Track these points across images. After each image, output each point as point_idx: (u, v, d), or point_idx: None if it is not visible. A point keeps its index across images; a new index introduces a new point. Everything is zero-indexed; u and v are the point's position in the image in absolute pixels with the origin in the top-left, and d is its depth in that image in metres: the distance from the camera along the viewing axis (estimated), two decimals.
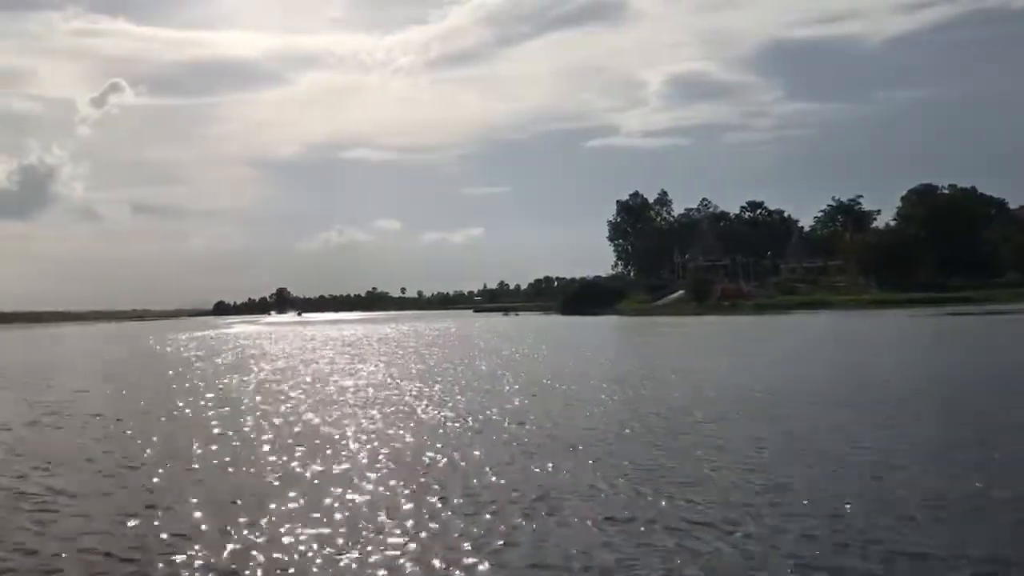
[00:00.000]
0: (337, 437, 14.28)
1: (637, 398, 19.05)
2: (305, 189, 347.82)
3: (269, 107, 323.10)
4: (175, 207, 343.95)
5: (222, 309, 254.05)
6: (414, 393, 20.69)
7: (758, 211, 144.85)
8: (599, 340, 49.91)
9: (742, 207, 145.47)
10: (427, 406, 18.00)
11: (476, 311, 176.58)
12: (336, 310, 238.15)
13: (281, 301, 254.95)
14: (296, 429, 15.30)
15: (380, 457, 12.34)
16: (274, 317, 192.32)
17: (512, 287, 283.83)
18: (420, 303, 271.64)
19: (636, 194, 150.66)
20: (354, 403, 18.84)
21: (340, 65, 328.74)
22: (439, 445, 13.21)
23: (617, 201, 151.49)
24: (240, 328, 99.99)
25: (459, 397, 19.63)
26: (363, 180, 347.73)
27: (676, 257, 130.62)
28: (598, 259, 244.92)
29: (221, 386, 24.09)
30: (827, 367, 26.40)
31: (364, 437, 14.24)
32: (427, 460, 12.02)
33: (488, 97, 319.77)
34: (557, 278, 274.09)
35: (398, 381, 23.66)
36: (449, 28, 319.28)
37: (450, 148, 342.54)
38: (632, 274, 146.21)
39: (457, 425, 15.33)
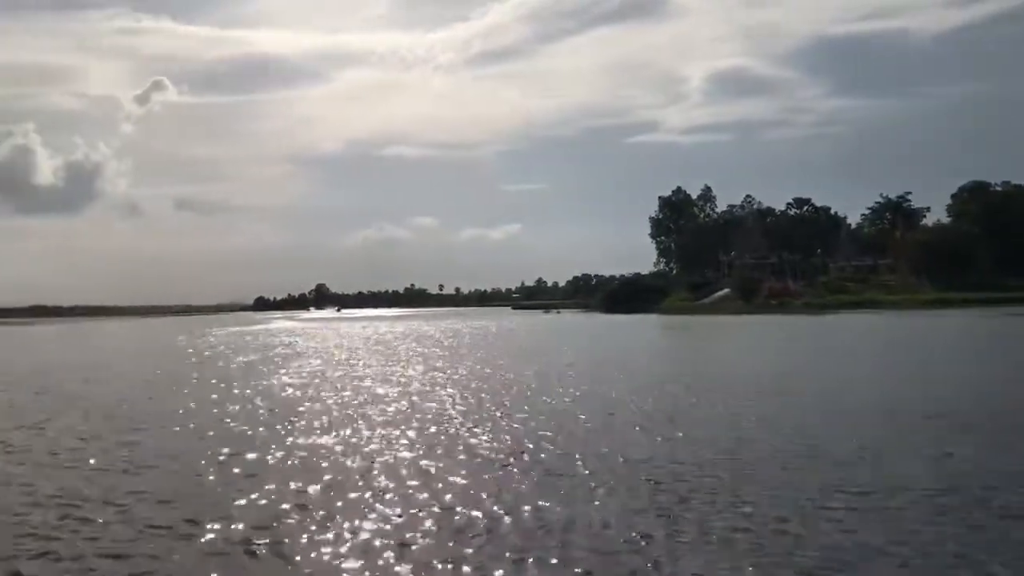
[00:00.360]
0: (356, 475, 10.97)
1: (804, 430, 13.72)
2: (345, 186, 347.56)
3: (310, 104, 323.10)
4: (217, 203, 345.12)
5: (263, 304, 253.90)
6: (459, 406, 17.49)
7: (805, 208, 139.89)
8: (663, 344, 46.03)
9: (788, 204, 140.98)
10: (478, 426, 14.75)
11: (515, 308, 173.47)
12: (375, 306, 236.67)
13: (320, 297, 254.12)
14: (298, 458, 12.06)
15: (412, 513, 8.78)
16: (313, 313, 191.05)
17: (550, 284, 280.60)
18: (458, 300, 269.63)
19: (679, 190, 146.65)
20: (385, 420, 15.66)
21: (381, 63, 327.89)
22: (505, 496, 9.51)
23: (659, 197, 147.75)
24: (277, 324, 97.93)
25: (522, 417, 16.18)
26: (403, 177, 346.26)
27: (721, 255, 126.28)
28: (637, 256, 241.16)
29: (237, 396, 21.06)
30: (958, 382, 22.52)
31: (394, 476, 10.72)
32: (484, 518, 8.55)
33: (529, 94, 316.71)
34: (596, 276, 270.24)
35: (440, 390, 20.36)
36: (490, 25, 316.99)
37: (490, 144, 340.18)
38: (675, 272, 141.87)
39: (522, 463, 11.86)
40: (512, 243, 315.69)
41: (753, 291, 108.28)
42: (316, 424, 15.17)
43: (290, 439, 13.58)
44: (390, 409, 17.04)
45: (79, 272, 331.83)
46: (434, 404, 17.68)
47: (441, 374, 24.73)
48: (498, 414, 16.02)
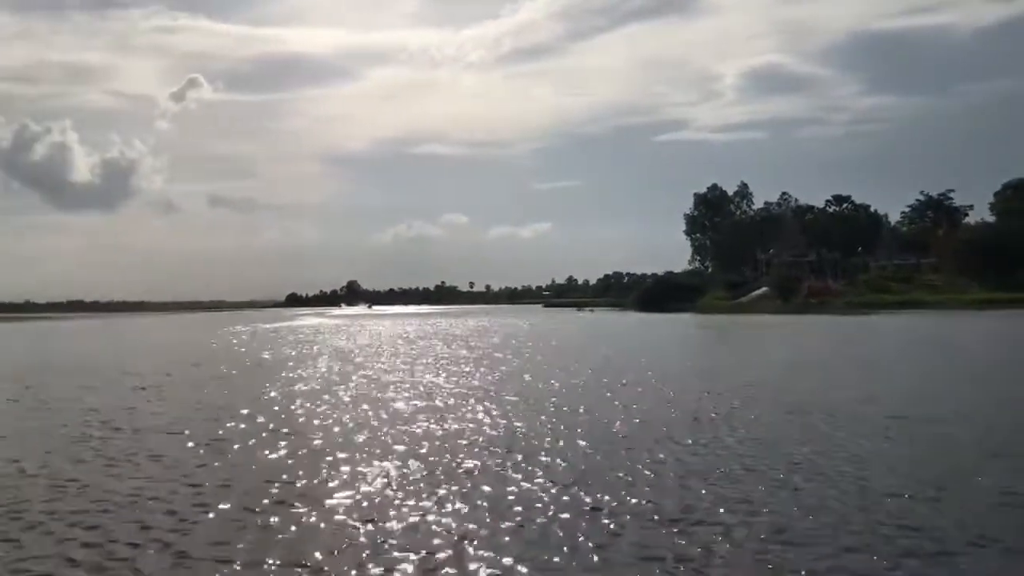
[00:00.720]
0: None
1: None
2: (376, 184, 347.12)
3: (341, 103, 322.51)
4: (250, 200, 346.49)
5: (295, 301, 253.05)
6: (498, 436, 14.41)
7: (844, 205, 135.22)
8: (720, 349, 42.57)
9: (827, 201, 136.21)
10: (529, 464, 11.65)
11: (546, 306, 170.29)
12: (405, 303, 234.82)
13: (352, 294, 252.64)
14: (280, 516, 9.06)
15: None
16: (344, 309, 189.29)
17: (581, 283, 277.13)
18: (488, 297, 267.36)
19: (715, 187, 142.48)
20: (402, 446, 12.63)
21: (411, 61, 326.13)
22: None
23: (695, 194, 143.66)
24: (306, 321, 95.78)
25: (569, 440, 13.22)
26: (433, 175, 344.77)
27: (758, 252, 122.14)
28: (669, 255, 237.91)
29: (229, 408, 18.14)
30: None
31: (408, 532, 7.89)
32: None
33: (560, 92, 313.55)
34: (627, 274, 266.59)
35: (475, 412, 17.15)
36: (521, 22, 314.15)
37: (520, 143, 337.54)
38: (710, 270, 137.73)
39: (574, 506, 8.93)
40: (542, 241, 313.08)
41: (792, 290, 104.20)
42: (313, 458, 12.19)
43: (266, 484, 10.59)
44: (412, 431, 14.00)
45: (115, 268, 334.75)
46: (468, 430, 14.59)
47: (478, 388, 21.57)
48: (552, 445, 12.93)
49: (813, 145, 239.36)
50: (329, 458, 11.79)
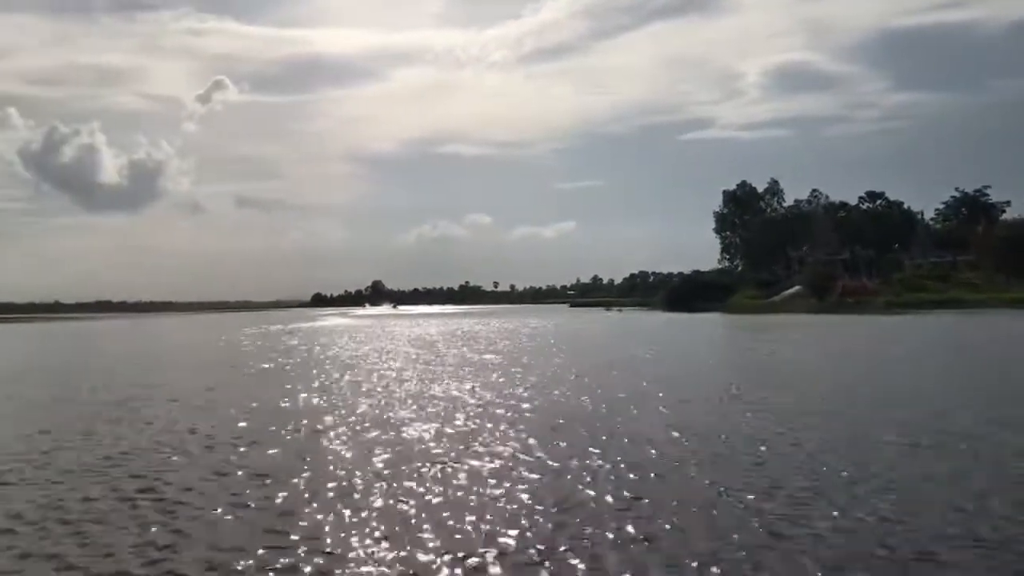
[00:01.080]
0: None
1: None
2: (401, 184, 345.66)
3: (367, 103, 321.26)
4: (276, 201, 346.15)
5: (320, 301, 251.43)
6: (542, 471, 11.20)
7: (877, 202, 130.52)
8: (770, 350, 38.99)
9: (860, 198, 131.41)
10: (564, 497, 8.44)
11: (572, 306, 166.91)
12: (430, 303, 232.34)
13: (376, 294, 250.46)
14: None
15: None
16: (368, 309, 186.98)
17: (606, 282, 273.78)
18: (512, 297, 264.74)
19: (744, 183, 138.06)
20: (406, 500, 9.45)
21: (436, 61, 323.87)
22: None
23: (724, 191, 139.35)
24: (327, 322, 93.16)
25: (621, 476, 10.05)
26: (457, 175, 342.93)
27: (789, 250, 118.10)
28: (693, 254, 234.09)
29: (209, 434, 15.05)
30: None
31: None
32: None
33: (583, 91, 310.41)
34: (653, 273, 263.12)
35: (506, 442, 13.90)
36: (543, 22, 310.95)
37: (543, 142, 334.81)
38: (739, 268, 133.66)
39: None
40: (566, 241, 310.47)
41: (827, 289, 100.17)
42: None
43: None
44: (426, 477, 10.82)
45: (143, 269, 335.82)
46: (500, 469, 11.38)
47: (510, 404, 18.39)
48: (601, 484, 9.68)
49: (840, 143, 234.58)
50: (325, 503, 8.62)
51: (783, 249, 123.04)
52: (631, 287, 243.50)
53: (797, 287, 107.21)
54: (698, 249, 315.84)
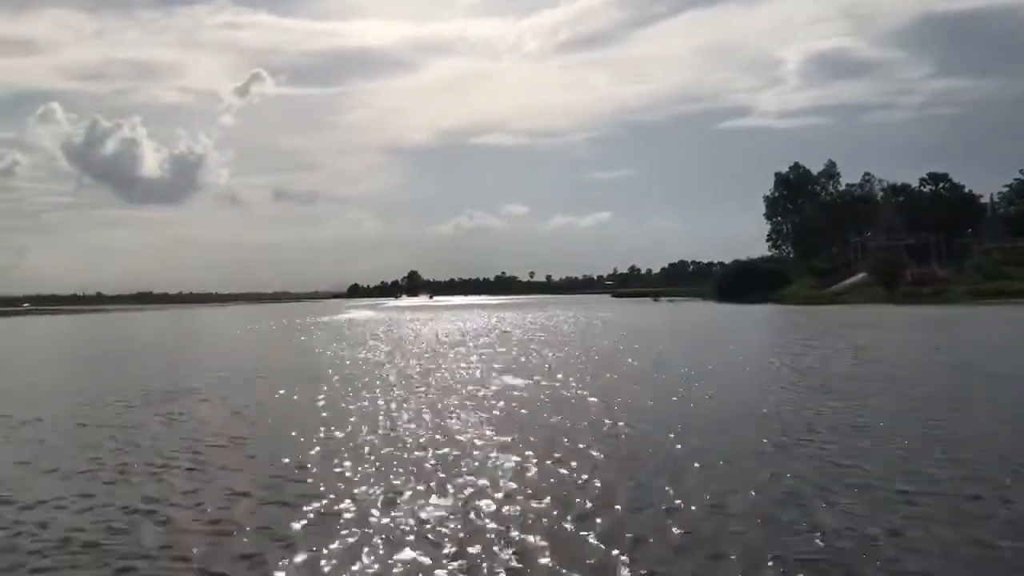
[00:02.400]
0: None
1: None
2: (436, 175, 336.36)
3: (402, 94, 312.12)
4: (314, 193, 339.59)
5: (356, 292, 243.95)
6: None
7: (940, 184, 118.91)
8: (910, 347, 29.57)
9: (922, 179, 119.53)
10: None
11: (614, 296, 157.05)
12: (466, 294, 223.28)
13: (413, 285, 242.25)
14: None
15: None
16: (399, 300, 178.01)
17: (644, 271, 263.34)
18: (549, 287, 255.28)
19: (797, 165, 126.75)
20: None
21: (471, 51, 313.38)
22: None
23: (776, 173, 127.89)
24: (352, 315, 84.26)
25: None
26: (493, 165, 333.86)
27: (848, 235, 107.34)
28: (733, 242, 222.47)
29: None
30: None
31: None
32: None
33: (619, 80, 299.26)
34: (693, 262, 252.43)
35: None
36: (580, 10, 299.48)
37: (579, 132, 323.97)
38: (791, 255, 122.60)
39: None
40: (602, 230, 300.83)
41: (897, 277, 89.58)
42: None
43: None
44: None
45: (183, 260, 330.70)
46: None
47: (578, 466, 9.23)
48: None
49: (882, 130, 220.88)
50: None
51: (840, 234, 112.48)
52: (671, 276, 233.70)
53: (861, 275, 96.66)
54: (736, 238, 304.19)
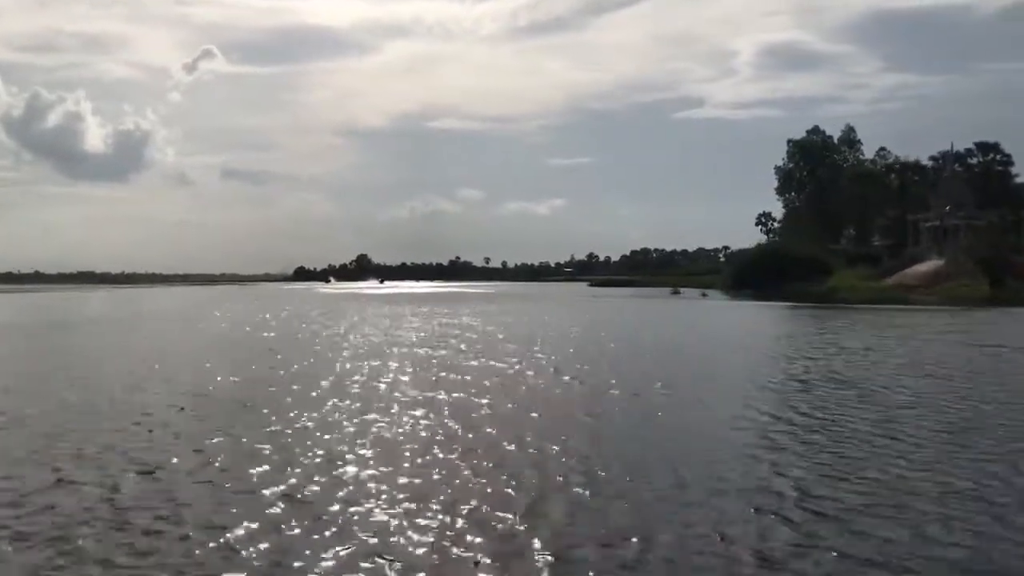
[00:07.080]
0: None
1: None
2: (391, 158, 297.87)
3: (357, 75, 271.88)
4: (263, 173, 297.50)
5: (303, 275, 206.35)
6: None
7: (990, 155, 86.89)
8: None
9: (967, 150, 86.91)
10: None
11: (592, 285, 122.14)
12: (418, 279, 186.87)
13: (362, 269, 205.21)
14: None
15: None
16: (328, 286, 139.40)
17: (603, 259, 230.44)
18: (505, 274, 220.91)
19: (816, 129, 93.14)
20: None
21: (428, 34, 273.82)
22: None
23: (789, 140, 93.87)
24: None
25: None
26: (448, 149, 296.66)
27: (907, 214, 74.26)
28: (694, 231, 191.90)
29: None
30: None
31: None
32: None
33: (576, 66, 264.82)
34: (656, 250, 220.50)
35: None
36: None
37: (535, 118, 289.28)
38: (807, 237, 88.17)
39: None
40: (557, 217, 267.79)
41: (1004, 267, 56.82)
42: None
43: None
44: None
45: (128, 239, 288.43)
46: None
47: None
48: None
49: (835, 123, 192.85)
50: None
51: (878, 213, 79.87)
52: (631, 265, 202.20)
53: (933, 262, 63.98)
54: (699, 226, 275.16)
